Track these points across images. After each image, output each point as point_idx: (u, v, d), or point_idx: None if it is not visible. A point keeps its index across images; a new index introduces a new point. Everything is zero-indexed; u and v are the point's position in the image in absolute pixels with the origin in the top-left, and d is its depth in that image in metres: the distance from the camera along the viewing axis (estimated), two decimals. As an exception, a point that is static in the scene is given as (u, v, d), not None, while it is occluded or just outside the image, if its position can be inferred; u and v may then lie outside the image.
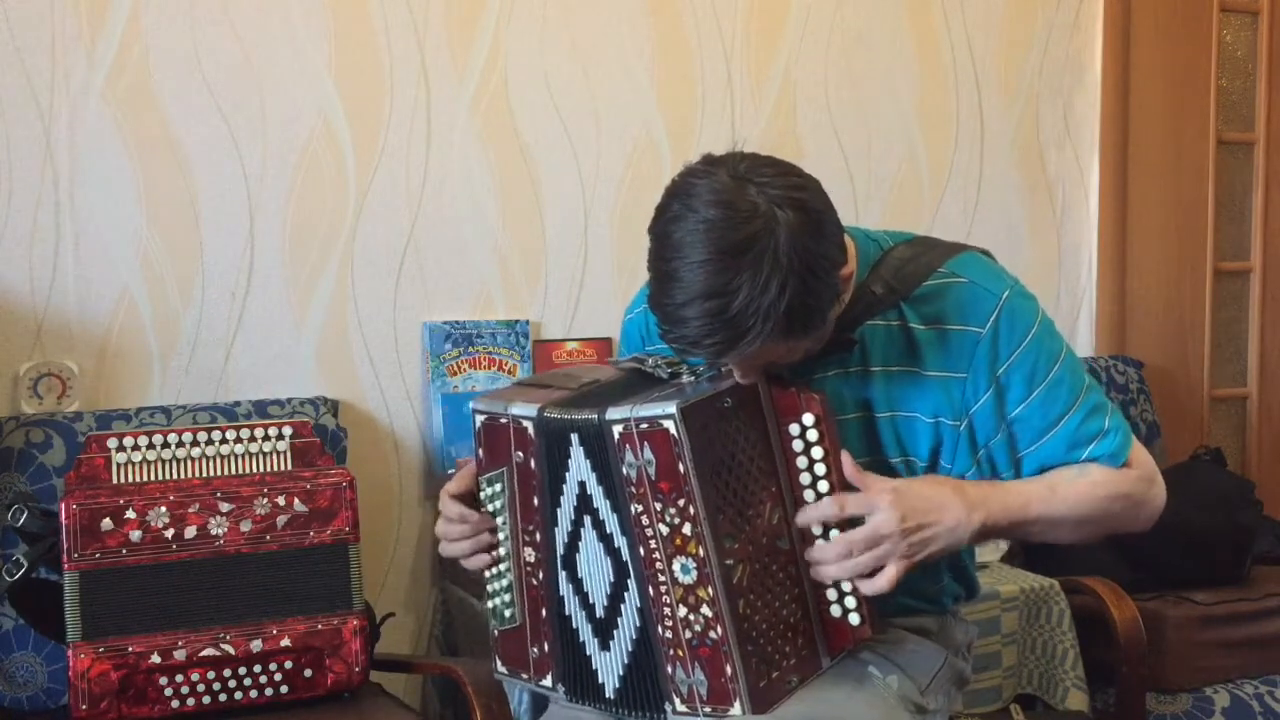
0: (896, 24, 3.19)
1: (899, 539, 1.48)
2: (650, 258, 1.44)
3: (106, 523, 2.07)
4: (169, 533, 2.10)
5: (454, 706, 2.61)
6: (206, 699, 2.11)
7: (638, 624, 1.53)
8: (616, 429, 1.46)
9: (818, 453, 1.50)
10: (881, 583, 1.48)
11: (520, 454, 1.60)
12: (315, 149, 2.67)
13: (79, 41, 2.49)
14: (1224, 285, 3.55)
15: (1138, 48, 3.37)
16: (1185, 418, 3.44)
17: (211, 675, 2.12)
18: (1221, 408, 3.59)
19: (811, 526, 1.50)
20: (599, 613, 1.57)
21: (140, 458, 2.17)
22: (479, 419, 1.63)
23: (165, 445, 2.19)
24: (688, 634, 1.47)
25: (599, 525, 1.54)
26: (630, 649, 1.55)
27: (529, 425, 1.57)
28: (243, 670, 2.13)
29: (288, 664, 2.15)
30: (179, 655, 2.10)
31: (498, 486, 1.63)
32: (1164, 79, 3.38)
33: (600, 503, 1.53)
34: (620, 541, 1.52)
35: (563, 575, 1.59)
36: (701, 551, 1.44)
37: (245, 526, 2.14)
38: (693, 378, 1.57)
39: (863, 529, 1.48)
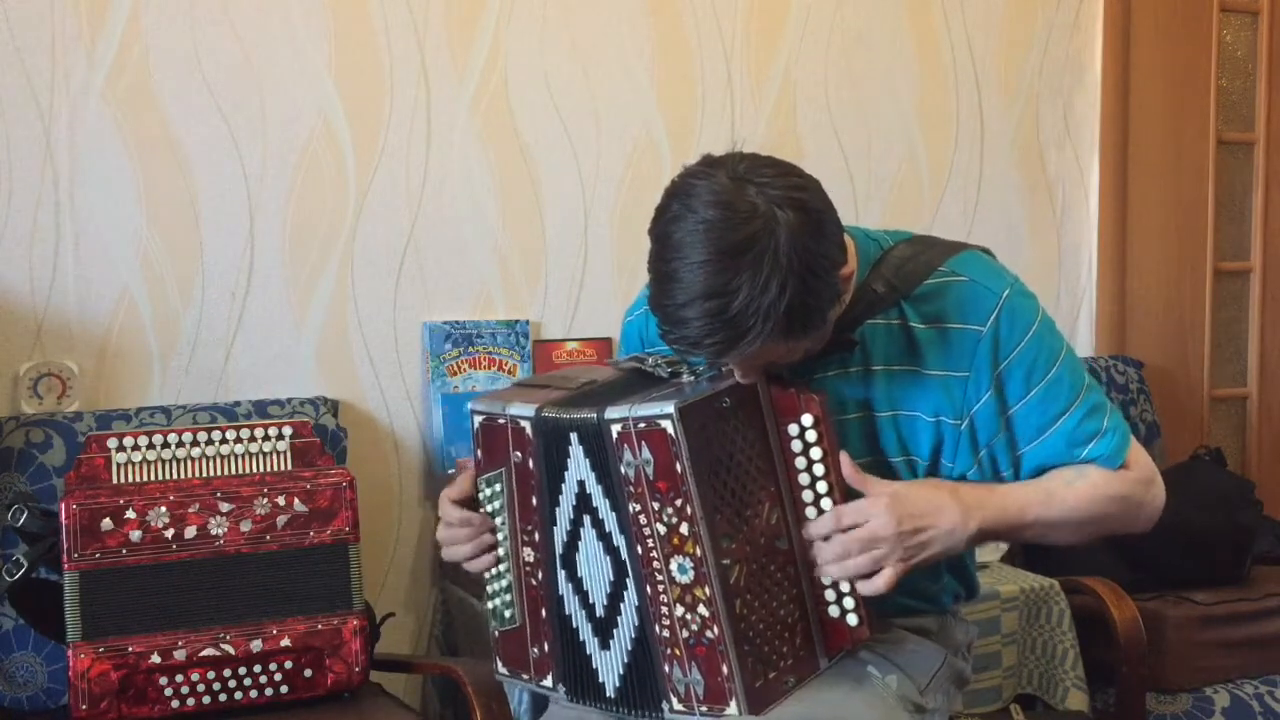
0: (896, 24, 3.19)
1: (896, 541, 1.48)
2: (650, 259, 1.44)
3: (106, 523, 2.07)
4: (169, 533, 2.11)
5: (454, 706, 2.61)
6: (206, 699, 2.11)
7: (636, 623, 1.53)
8: (615, 428, 1.47)
9: (816, 453, 1.50)
10: (879, 584, 1.48)
11: (519, 454, 1.60)
12: (315, 149, 2.67)
13: (79, 41, 2.49)
14: (1224, 285, 3.55)
15: (1138, 48, 3.37)
16: (1185, 418, 3.44)
17: (211, 675, 2.12)
18: (1221, 408, 3.59)
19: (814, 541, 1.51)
20: (599, 612, 1.57)
21: (140, 458, 2.17)
22: (477, 419, 1.63)
23: (165, 445, 2.19)
24: (684, 633, 1.47)
25: (598, 524, 1.54)
26: (630, 648, 1.55)
27: (526, 425, 1.57)
28: (243, 670, 2.13)
29: (288, 664, 2.15)
30: (179, 655, 2.10)
31: (497, 487, 1.63)
32: (1164, 79, 3.38)
33: (599, 502, 1.53)
34: (619, 541, 1.52)
35: (562, 575, 1.59)
36: (698, 551, 1.44)
37: (245, 526, 2.15)
38: (693, 377, 1.57)
39: (859, 531, 1.48)
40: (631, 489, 1.47)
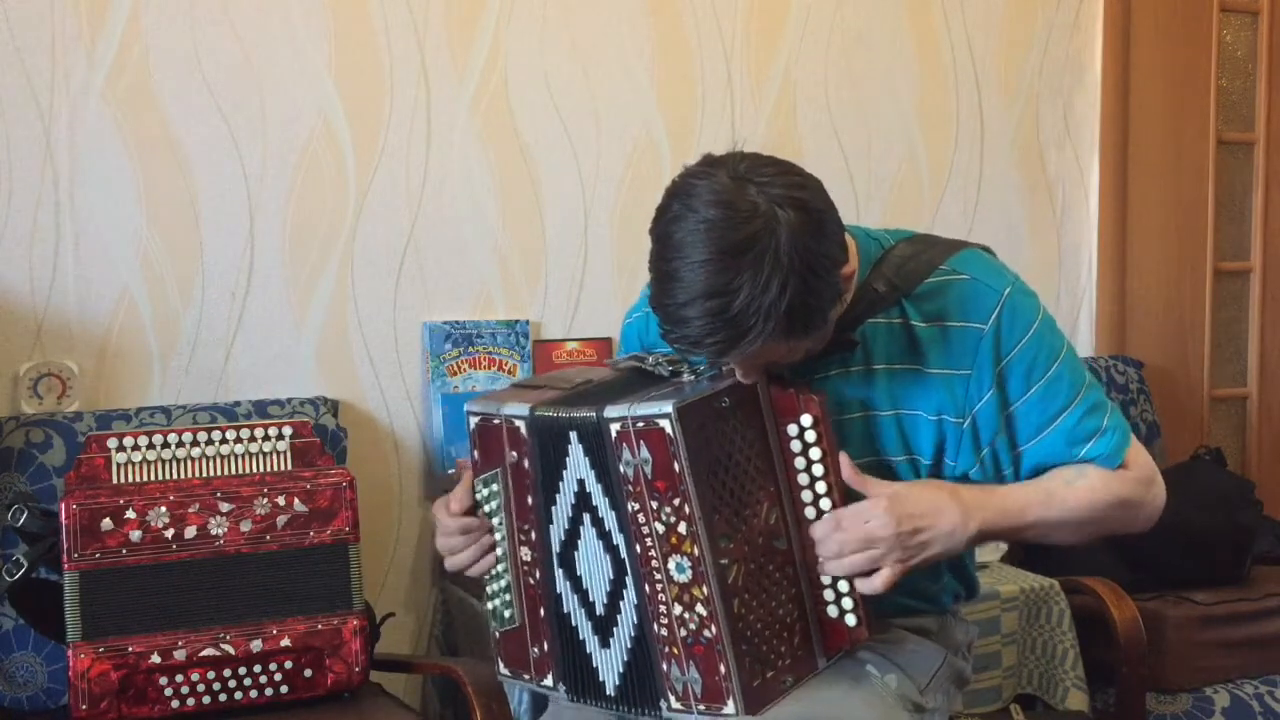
0: (896, 24, 3.19)
1: (895, 542, 1.48)
2: (651, 258, 1.44)
3: (106, 523, 2.07)
4: (169, 533, 2.11)
5: (454, 706, 2.61)
6: (206, 699, 2.11)
7: (636, 621, 1.53)
8: (614, 427, 1.47)
9: (815, 454, 1.51)
10: (877, 584, 1.48)
11: (514, 454, 1.60)
12: (315, 149, 2.67)
13: (79, 41, 2.49)
14: (1224, 285, 3.55)
15: (1138, 48, 3.37)
16: (1185, 418, 3.44)
17: (211, 675, 2.12)
18: (1221, 408, 3.59)
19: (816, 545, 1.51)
20: (599, 610, 1.57)
21: (140, 458, 2.17)
22: (473, 420, 1.64)
23: (165, 445, 2.19)
24: (682, 632, 1.48)
25: (598, 523, 1.54)
26: (630, 646, 1.55)
27: (521, 425, 1.58)
28: (243, 670, 2.13)
29: (288, 664, 2.15)
30: (179, 655, 2.10)
31: (494, 487, 1.63)
32: (1164, 79, 3.38)
33: (599, 500, 1.53)
34: (619, 539, 1.52)
35: (559, 573, 1.59)
36: (696, 551, 1.44)
37: (245, 526, 2.15)
38: (693, 377, 1.57)
39: (858, 531, 1.48)
40: (630, 488, 1.48)
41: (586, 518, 1.55)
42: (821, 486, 1.51)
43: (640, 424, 1.44)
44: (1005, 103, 3.33)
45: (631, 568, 1.52)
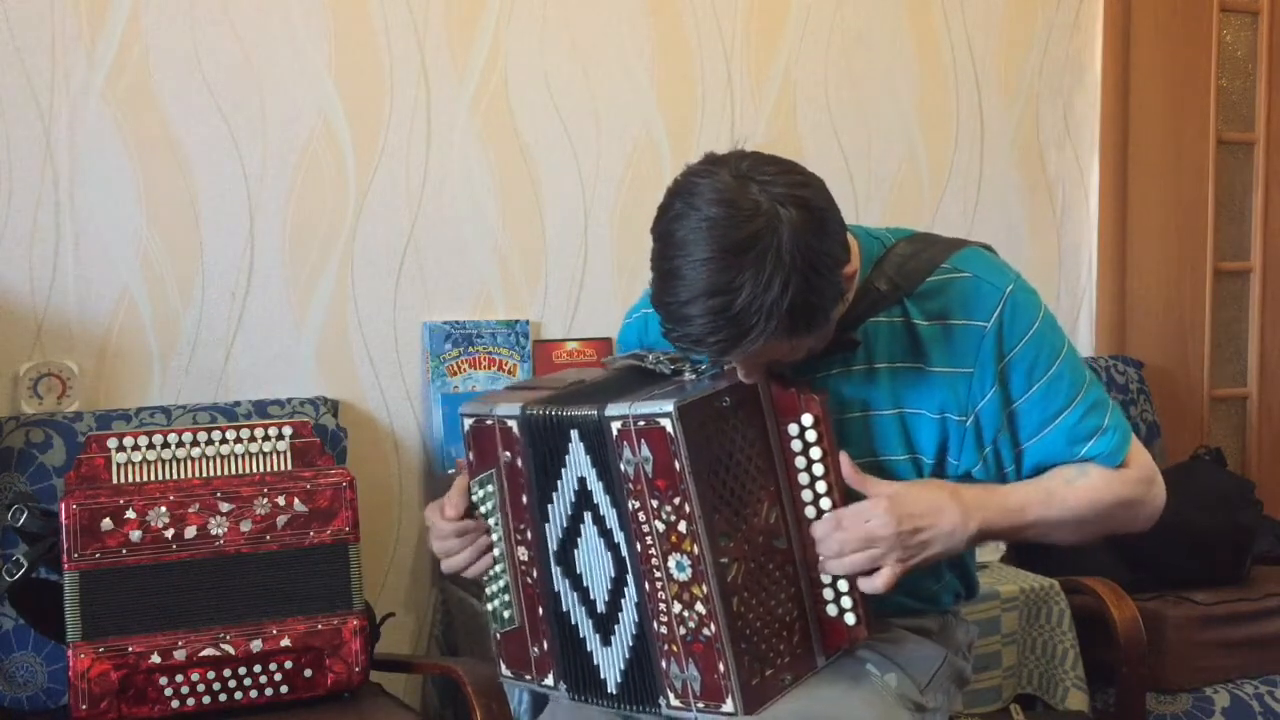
0: (896, 24, 3.19)
1: (895, 541, 1.48)
2: (653, 257, 1.44)
3: (106, 523, 2.07)
4: (169, 533, 2.10)
5: (454, 706, 2.61)
6: (206, 699, 2.11)
7: (637, 619, 1.53)
8: (615, 425, 1.47)
9: (816, 453, 1.51)
10: (877, 583, 1.48)
11: (508, 454, 1.60)
12: (315, 149, 2.67)
13: (79, 41, 2.49)
14: (1224, 285, 3.55)
15: (1138, 48, 3.37)
16: (1185, 418, 3.44)
17: (211, 675, 2.11)
18: (1221, 408, 3.59)
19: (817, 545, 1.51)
20: (600, 608, 1.57)
21: (140, 458, 2.17)
22: (467, 423, 1.64)
23: (165, 445, 2.19)
24: (682, 630, 1.48)
25: (599, 521, 1.54)
26: (631, 644, 1.55)
27: (513, 424, 1.58)
28: (243, 670, 2.13)
29: (288, 664, 2.15)
30: (179, 655, 2.10)
31: (489, 488, 1.64)
32: (1164, 79, 3.38)
33: (600, 498, 1.53)
34: (619, 537, 1.52)
35: (557, 571, 1.59)
36: (696, 549, 1.44)
37: (245, 526, 2.14)
38: (694, 375, 1.57)
39: (858, 530, 1.48)
40: (631, 486, 1.48)
41: (588, 516, 1.55)
42: (822, 486, 1.51)
43: (641, 422, 1.44)
44: (1005, 103, 3.33)
45: (632, 566, 1.52)
